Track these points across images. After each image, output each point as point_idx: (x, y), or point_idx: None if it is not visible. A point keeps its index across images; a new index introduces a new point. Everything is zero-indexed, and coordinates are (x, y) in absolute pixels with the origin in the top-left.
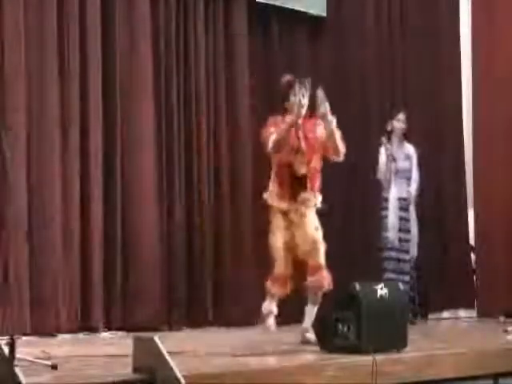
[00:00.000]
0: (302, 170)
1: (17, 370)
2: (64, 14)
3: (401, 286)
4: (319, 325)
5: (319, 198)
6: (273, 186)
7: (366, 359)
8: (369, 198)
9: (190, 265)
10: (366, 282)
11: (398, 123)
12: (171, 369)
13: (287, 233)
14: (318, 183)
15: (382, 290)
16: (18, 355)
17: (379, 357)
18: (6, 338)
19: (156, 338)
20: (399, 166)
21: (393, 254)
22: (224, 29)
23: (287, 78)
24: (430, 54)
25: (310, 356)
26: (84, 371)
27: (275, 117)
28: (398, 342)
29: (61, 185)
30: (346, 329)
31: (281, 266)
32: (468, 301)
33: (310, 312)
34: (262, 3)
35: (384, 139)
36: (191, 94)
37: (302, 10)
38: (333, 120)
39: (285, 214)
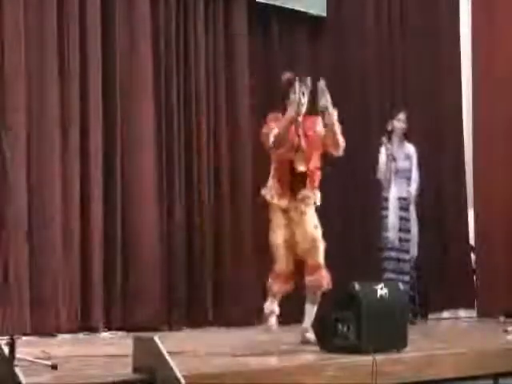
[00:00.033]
0: (302, 168)
1: (17, 370)
2: (64, 14)
3: (401, 285)
4: (319, 325)
5: (318, 195)
6: (272, 183)
7: (366, 359)
8: (369, 198)
9: (189, 265)
10: (366, 281)
11: (399, 123)
12: (171, 369)
13: (287, 230)
14: (317, 181)
15: (381, 290)
16: (18, 355)
17: (379, 357)
18: (5, 337)
19: (156, 338)
20: (399, 166)
21: (393, 253)
22: (224, 29)
23: (287, 75)
24: (430, 54)
25: (310, 356)
26: (84, 371)
27: (275, 113)
28: (398, 341)
29: (61, 185)
30: (345, 329)
31: (282, 263)
32: (468, 301)
33: (310, 311)
34: (262, 3)
35: (384, 139)
36: (191, 94)
37: (302, 9)
38: (334, 113)
39: (284, 211)
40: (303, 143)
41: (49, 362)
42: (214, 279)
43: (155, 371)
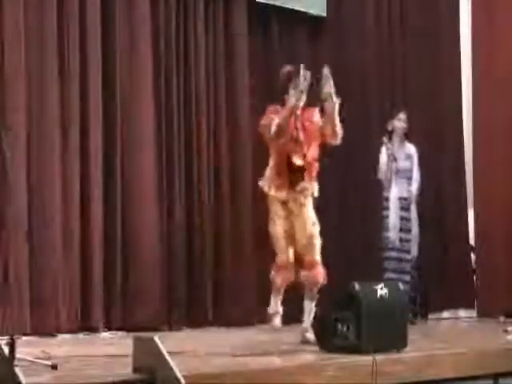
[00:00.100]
0: (301, 160)
1: (17, 370)
2: (64, 14)
3: (401, 285)
4: (319, 325)
5: (316, 187)
6: (270, 175)
7: (366, 359)
8: (369, 198)
9: (189, 265)
10: (366, 281)
11: (399, 123)
12: (171, 369)
13: (286, 221)
14: (315, 172)
15: (381, 290)
16: (18, 355)
17: (379, 357)
18: (5, 337)
19: (156, 338)
20: (400, 166)
21: (394, 253)
22: (224, 29)
23: (287, 69)
24: (430, 54)
25: (310, 356)
26: (84, 371)
27: (275, 105)
28: (398, 341)
29: (61, 185)
30: (345, 329)
31: (283, 253)
32: (468, 301)
33: (309, 308)
34: (262, 3)
35: (385, 139)
36: (191, 94)
37: (302, 9)
38: (336, 102)
39: (283, 203)
40: (301, 136)
41: (49, 362)
42: (214, 279)
43: (155, 371)
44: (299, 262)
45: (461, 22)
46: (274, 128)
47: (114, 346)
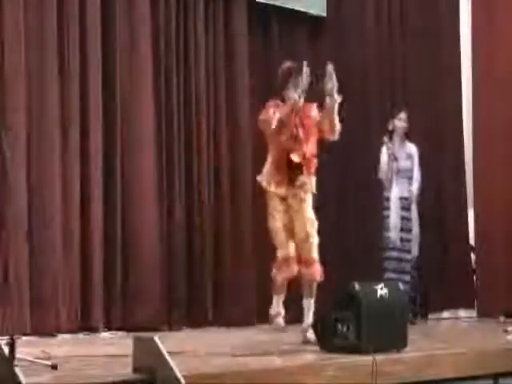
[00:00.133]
0: (299, 157)
1: (17, 370)
2: (64, 14)
3: (401, 285)
4: (319, 325)
5: (314, 182)
6: (269, 171)
7: (366, 359)
8: (370, 198)
9: (189, 265)
10: (366, 281)
11: (400, 122)
12: (171, 369)
13: (286, 216)
14: (314, 168)
15: (382, 290)
16: (18, 355)
17: (379, 357)
18: (5, 337)
19: (156, 338)
20: (401, 166)
21: (394, 253)
22: (224, 29)
23: (287, 65)
24: (430, 54)
25: (310, 356)
26: (84, 371)
27: (275, 100)
28: (398, 341)
29: (61, 185)
30: (345, 329)
31: (283, 247)
32: (468, 301)
33: (308, 307)
34: (262, 3)
35: (386, 138)
36: (191, 94)
37: (302, 9)
38: (338, 100)
39: (282, 199)
40: (301, 133)
41: (49, 362)
42: (214, 279)
43: (155, 371)
44: (297, 259)
45: (461, 22)
46: (274, 123)
47: (114, 346)
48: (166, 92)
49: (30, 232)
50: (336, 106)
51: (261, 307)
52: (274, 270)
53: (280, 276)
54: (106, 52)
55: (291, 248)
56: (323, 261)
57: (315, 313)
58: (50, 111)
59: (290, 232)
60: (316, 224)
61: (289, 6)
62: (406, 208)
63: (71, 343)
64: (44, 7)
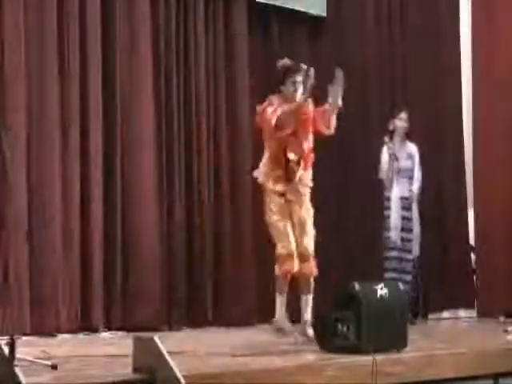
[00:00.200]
0: (298, 153)
1: (17, 370)
2: (64, 14)
3: (401, 285)
4: (319, 325)
5: (311, 175)
6: (267, 168)
7: (366, 359)
8: (370, 198)
9: (189, 265)
10: (366, 281)
11: (400, 122)
12: (171, 369)
13: (285, 210)
14: (310, 162)
15: (381, 290)
16: (18, 355)
17: (379, 357)
18: (5, 337)
19: (156, 338)
20: (401, 165)
21: (395, 253)
22: (224, 29)
23: (283, 61)
24: (430, 54)
25: (310, 356)
26: (84, 371)
27: (275, 96)
28: (397, 341)
29: (61, 185)
30: (345, 329)
31: (285, 242)
32: (468, 301)
33: (307, 303)
34: (262, 3)
35: (386, 138)
36: (191, 94)
37: (302, 9)
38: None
39: (281, 194)
40: (300, 129)
41: (49, 362)
42: (214, 279)
43: (155, 371)
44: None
45: (461, 22)
46: (274, 120)
47: (113, 346)
48: (165, 92)
49: (29, 232)
50: (336, 112)
51: (261, 307)
52: (276, 267)
53: (283, 269)
54: (106, 52)
55: (292, 242)
56: (323, 260)
57: (314, 311)
58: (50, 111)
59: (290, 226)
60: (312, 218)
61: (289, 5)
62: (406, 208)
63: (71, 343)
64: (44, 7)
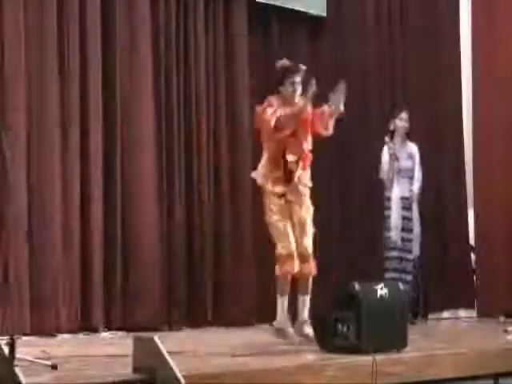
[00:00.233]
0: (297, 155)
1: (17, 370)
2: (64, 14)
3: (401, 285)
4: (319, 325)
5: (309, 175)
6: (266, 169)
7: (366, 359)
8: (371, 198)
9: (189, 265)
10: (367, 281)
11: (401, 122)
12: (171, 369)
13: (285, 211)
14: (309, 162)
15: (381, 290)
16: (18, 355)
17: (379, 357)
18: (5, 337)
19: (156, 338)
20: (402, 165)
21: (395, 253)
22: (224, 29)
23: (282, 62)
24: (430, 54)
25: (310, 356)
26: (84, 371)
27: (274, 97)
28: (397, 341)
29: (61, 185)
30: (345, 329)
31: (285, 242)
32: (468, 301)
33: (304, 303)
34: (262, 3)
35: (387, 138)
36: (191, 94)
37: (301, 9)
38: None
39: (281, 196)
40: (299, 131)
41: (49, 362)
42: (214, 279)
43: (155, 371)
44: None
45: (461, 22)
46: (273, 122)
47: (113, 346)
48: (166, 92)
49: (30, 232)
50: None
51: (261, 307)
52: (276, 267)
53: (284, 270)
54: (106, 52)
55: (292, 242)
56: (324, 260)
57: (314, 311)
58: (50, 111)
59: (290, 226)
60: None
61: (289, 5)
62: (407, 208)
63: (71, 343)
64: (44, 7)
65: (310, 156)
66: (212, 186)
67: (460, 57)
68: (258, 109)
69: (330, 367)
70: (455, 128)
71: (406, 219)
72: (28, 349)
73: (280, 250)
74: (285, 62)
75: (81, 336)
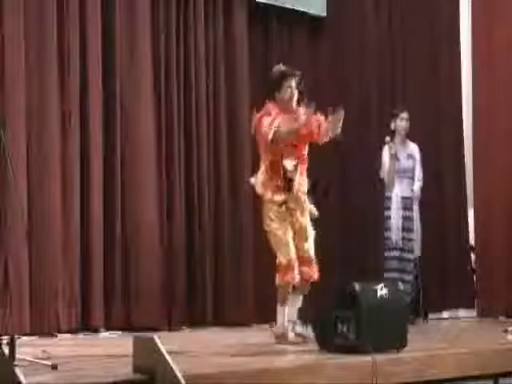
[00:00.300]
0: (294, 162)
1: (17, 370)
2: (64, 15)
3: (401, 285)
4: (319, 325)
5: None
6: (264, 179)
7: (366, 359)
8: (371, 198)
9: (189, 265)
10: (367, 281)
11: (402, 122)
12: (171, 369)
13: (286, 219)
14: (305, 167)
15: (382, 290)
16: (18, 355)
17: (379, 357)
18: (6, 337)
19: (156, 338)
20: (402, 165)
21: (396, 253)
22: (224, 29)
23: (281, 67)
24: (430, 53)
25: (310, 356)
26: (84, 371)
27: (272, 103)
28: (398, 341)
29: (61, 185)
30: (345, 328)
31: (286, 249)
32: (468, 301)
33: (297, 302)
34: (262, 3)
35: (388, 138)
36: (191, 93)
37: (301, 9)
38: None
39: (281, 204)
40: (297, 139)
41: (49, 362)
42: (214, 279)
43: (155, 371)
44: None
45: (461, 22)
46: (270, 136)
47: (113, 346)
48: (165, 92)
49: (29, 232)
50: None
51: (260, 308)
52: (277, 277)
53: (285, 280)
54: (106, 52)
55: (292, 251)
56: (324, 261)
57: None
58: (50, 111)
59: (290, 233)
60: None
61: (289, 5)
62: (407, 208)
63: (71, 343)
64: (44, 7)
65: (306, 161)
66: (212, 186)
67: (460, 57)
68: (255, 119)
69: (329, 367)
70: (455, 128)
71: (407, 219)
72: (28, 349)
73: (280, 259)
74: (280, 66)
75: (81, 336)
